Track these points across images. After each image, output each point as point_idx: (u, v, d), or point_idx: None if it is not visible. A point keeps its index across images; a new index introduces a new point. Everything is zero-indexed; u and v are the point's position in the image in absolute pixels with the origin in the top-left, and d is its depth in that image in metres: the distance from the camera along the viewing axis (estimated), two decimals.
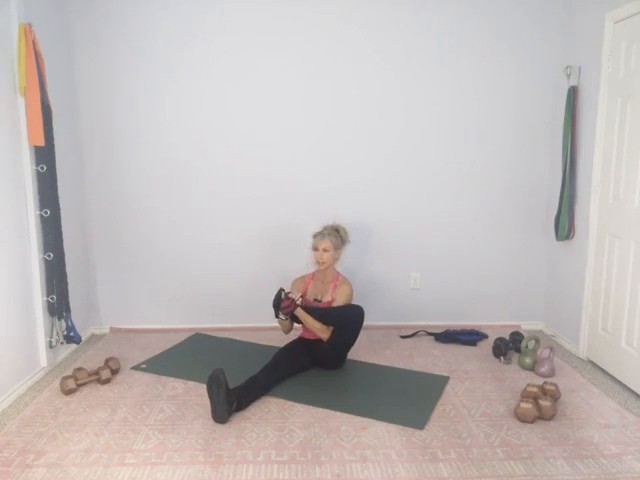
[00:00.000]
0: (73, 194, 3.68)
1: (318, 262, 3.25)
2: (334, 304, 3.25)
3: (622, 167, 3.09)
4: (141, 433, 2.54)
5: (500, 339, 3.53)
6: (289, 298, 3.05)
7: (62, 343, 3.38)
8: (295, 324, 3.31)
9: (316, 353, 3.22)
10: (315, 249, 3.25)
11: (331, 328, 3.17)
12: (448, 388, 3.04)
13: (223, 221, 3.90)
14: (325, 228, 3.33)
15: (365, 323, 3.22)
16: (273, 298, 3.13)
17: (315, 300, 3.27)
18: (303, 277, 3.42)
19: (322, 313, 3.17)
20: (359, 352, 3.48)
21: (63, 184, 3.34)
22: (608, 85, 3.22)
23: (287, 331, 3.36)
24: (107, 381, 3.07)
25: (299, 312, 3.11)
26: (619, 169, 3.13)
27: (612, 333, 3.19)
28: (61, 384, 2.95)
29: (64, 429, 2.58)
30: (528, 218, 3.98)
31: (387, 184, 3.90)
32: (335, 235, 3.27)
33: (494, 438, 2.50)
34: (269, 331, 3.87)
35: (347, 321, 3.17)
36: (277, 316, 3.17)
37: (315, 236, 3.30)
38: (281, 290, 3.12)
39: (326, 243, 3.23)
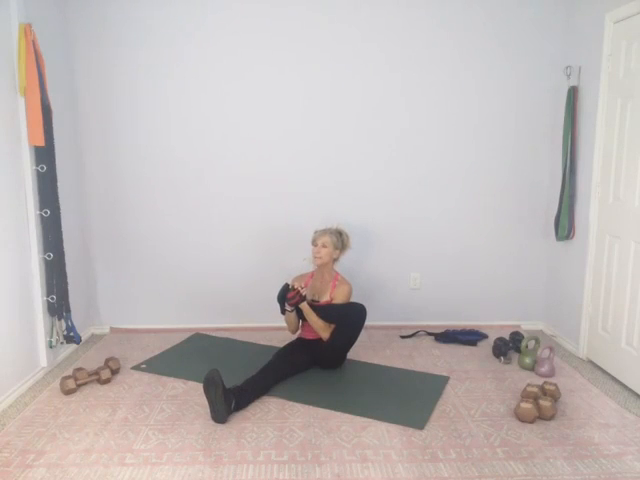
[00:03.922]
0: (73, 194, 3.68)
1: (315, 257, 3.27)
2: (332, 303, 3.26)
3: (622, 167, 3.09)
4: (141, 433, 2.54)
5: (500, 339, 3.54)
6: (294, 289, 3.07)
7: (62, 343, 3.38)
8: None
9: (316, 353, 3.22)
10: (314, 244, 3.28)
11: (332, 327, 3.17)
12: (448, 388, 3.04)
13: (222, 221, 3.90)
14: (328, 228, 3.37)
15: (365, 323, 3.22)
16: (278, 293, 3.15)
17: (313, 300, 3.27)
18: (302, 275, 3.43)
19: (324, 310, 3.18)
20: (359, 352, 3.48)
21: (63, 184, 3.34)
22: (608, 85, 3.22)
23: (294, 329, 3.35)
24: (107, 381, 3.07)
25: (304, 306, 3.12)
26: (619, 169, 3.13)
27: (612, 333, 3.19)
28: (61, 384, 2.95)
29: (64, 429, 2.58)
30: (528, 218, 3.98)
31: (387, 184, 3.90)
32: (337, 236, 3.32)
33: (494, 438, 2.50)
34: (269, 331, 3.88)
35: (349, 318, 3.18)
36: (283, 312, 3.18)
37: (316, 231, 3.34)
38: (286, 284, 3.15)
39: (325, 239, 3.26)
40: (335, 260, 3.36)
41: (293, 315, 3.22)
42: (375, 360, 3.43)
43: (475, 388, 3.04)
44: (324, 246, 3.26)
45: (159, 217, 3.88)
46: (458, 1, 3.71)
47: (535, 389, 2.81)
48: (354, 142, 3.85)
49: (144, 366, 3.32)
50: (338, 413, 2.73)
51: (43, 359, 3.20)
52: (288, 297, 3.09)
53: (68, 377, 2.97)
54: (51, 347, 3.26)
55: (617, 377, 3.14)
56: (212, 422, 2.62)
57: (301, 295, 3.09)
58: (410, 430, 2.56)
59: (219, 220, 3.90)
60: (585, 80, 3.47)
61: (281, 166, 3.85)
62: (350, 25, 3.71)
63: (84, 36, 3.64)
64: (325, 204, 3.84)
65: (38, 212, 3.12)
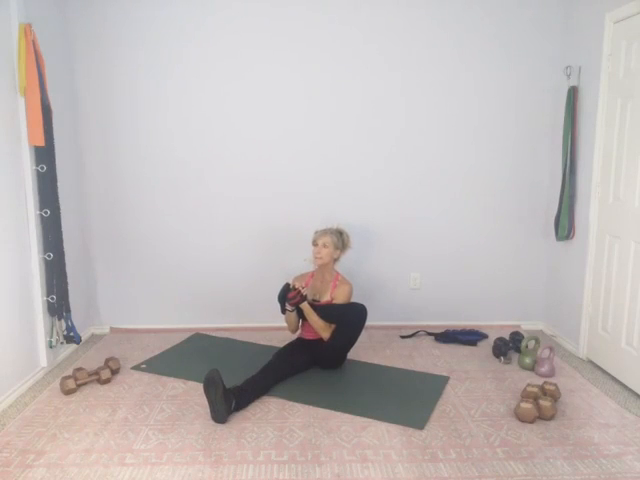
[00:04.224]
0: (73, 194, 3.68)
1: (316, 257, 3.27)
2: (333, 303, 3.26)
3: (622, 167, 3.09)
4: (141, 433, 2.54)
5: (500, 339, 3.54)
6: (295, 289, 3.07)
7: (62, 343, 3.38)
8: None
9: (316, 353, 3.22)
10: (314, 244, 3.28)
11: (333, 327, 3.17)
12: (448, 388, 3.04)
13: (223, 221, 3.90)
14: (329, 228, 3.37)
15: (365, 323, 3.22)
16: (279, 292, 3.14)
17: (313, 300, 3.27)
18: (303, 275, 3.43)
19: (325, 310, 3.17)
20: (359, 352, 3.48)
21: (63, 184, 3.34)
22: (608, 85, 3.22)
23: (294, 329, 3.35)
24: (107, 381, 3.07)
25: (305, 306, 3.12)
26: (619, 169, 3.13)
27: (612, 333, 3.19)
28: (61, 384, 2.95)
29: (64, 429, 2.58)
30: (528, 218, 3.98)
31: (387, 184, 3.90)
32: (337, 236, 3.32)
33: (494, 438, 2.50)
34: (269, 331, 3.88)
35: (350, 319, 3.17)
36: (283, 311, 3.18)
37: (317, 231, 3.34)
38: (287, 284, 3.14)
39: (326, 239, 3.26)
40: (336, 260, 3.36)
41: (293, 315, 3.22)
42: (375, 360, 3.43)
43: (475, 388, 3.04)
44: (325, 246, 3.26)
45: (159, 217, 3.88)
46: (458, 1, 3.71)
47: (535, 389, 2.81)
48: (354, 142, 3.84)
49: (144, 366, 3.32)
50: (338, 413, 2.73)
51: (43, 359, 3.20)
52: (289, 297, 3.08)
53: (68, 377, 2.97)
54: (51, 347, 3.26)
55: (617, 377, 3.14)
56: (212, 422, 2.62)
57: (302, 295, 3.09)
58: (410, 430, 2.56)
59: (219, 220, 3.90)
60: (585, 80, 3.47)
61: (281, 166, 3.85)
62: (350, 25, 3.71)
63: (84, 36, 3.64)
64: (325, 204, 3.84)
65: (38, 212, 3.12)
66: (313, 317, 3.15)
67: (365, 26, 3.71)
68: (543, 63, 3.78)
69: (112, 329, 3.99)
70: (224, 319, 4.00)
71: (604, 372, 3.27)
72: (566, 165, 3.58)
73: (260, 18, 3.67)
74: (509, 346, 3.50)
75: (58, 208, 3.26)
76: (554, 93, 3.78)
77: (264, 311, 3.82)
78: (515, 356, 3.47)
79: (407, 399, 2.88)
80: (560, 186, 3.66)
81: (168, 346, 3.65)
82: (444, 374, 3.22)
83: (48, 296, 3.22)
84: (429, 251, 4.00)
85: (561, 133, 3.64)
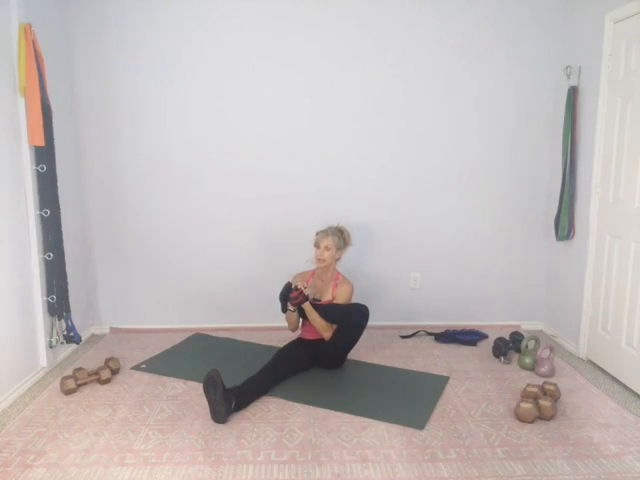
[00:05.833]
0: (73, 194, 3.68)
1: (318, 259, 3.27)
2: (334, 303, 3.25)
3: (622, 167, 3.09)
4: (141, 433, 2.54)
5: (500, 339, 3.53)
6: (298, 289, 3.06)
7: (62, 343, 3.38)
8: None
9: (316, 353, 3.22)
10: (317, 246, 3.28)
11: (334, 327, 3.17)
12: (448, 388, 3.04)
13: (223, 221, 3.90)
14: (329, 228, 3.35)
15: (367, 324, 3.21)
16: (280, 291, 3.13)
17: (314, 299, 3.27)
18: (304, 273, 3.43)
19: (326, 309, 3.17)
20: (359, 352, 3.48)
21: (63, 184, 3.34)
22: (608, 85, 3.22)
23: (294, 327, 3.35)
24: (107, 381, 3.07)
25: (306, 306, 3.11)
26: (619, 169, 3.13)
27: (612, 333, 3.19)
28: (61, 384, 2.95)
29: (64, 429, 2.58)
30: (528, 218, 3.98)
31: (387, 185, 3.90)
32: (338, 236, 3.31)
33: (494, 438, 2.50)
34: (269, 331, 3.88)
35: (351, 319, 3.17)
36: (284, 310, 3.17)
37: (318, 233, 3.33)
38: (289, 283, 3.13)
39: (328, 241, 3.25)
40: (337, 260, 3.36)
41: (294, 314, 3.21)
42: (375, 360, 3.43)
43: (475, 388, 3.04)
44: (327, 249, 3.25)
45: (159, 217, 3.88)
46: (458, 1, 3.71)
47: (535, 389, 2.81)
48: (355, 143, 3.84)
49: (144, 366, 3.32)
50: (338, 413, 2.73)
51: (43, 359, 3.20)
52: (291, 297, 3.07)
53: (68, 377, 2.97)
54: (51, 347, 3.26)
55: (617, 377, 3.14)
56: (212, 422, 2.62)
57: (304, 295, 3.08)
58: (410, 430, 2.56)
59: (219, 220, 3.90)
60: (585, 80, 3.47)
61: (282, 166, 3.84)
62: (352, 25, 3.70)
63: (84, 36, 3.64)
64: (326, 204, 3.84)
65: (38, 212, 3.12)
66: (315, 317, 3.14)
67: (366, 27, 3.71)
68: (543, 63, 3.78)
69: (112, 329, 3.99)
70: (224, 319, 4.00)
71: (604, 372, 3.27)
72: (566, 165, 3.58)
73: (260, 17, 3.67)
74: (509, 346, 3.50)
75: (58, 208, 3.27)
76: (554, 93, 3.78)
77: (264, 311, 3.82)
78: (515, 356, 3.47)
79: (407, 399, 2.88)
80: (560, 186, 3.65)
81: (168, 346, 3.65)
82: (444, 374, 3.22)
83: (48, 296, 3.22)
84: (429, 251, 3.99)
85: (561, 133, 3.64)
